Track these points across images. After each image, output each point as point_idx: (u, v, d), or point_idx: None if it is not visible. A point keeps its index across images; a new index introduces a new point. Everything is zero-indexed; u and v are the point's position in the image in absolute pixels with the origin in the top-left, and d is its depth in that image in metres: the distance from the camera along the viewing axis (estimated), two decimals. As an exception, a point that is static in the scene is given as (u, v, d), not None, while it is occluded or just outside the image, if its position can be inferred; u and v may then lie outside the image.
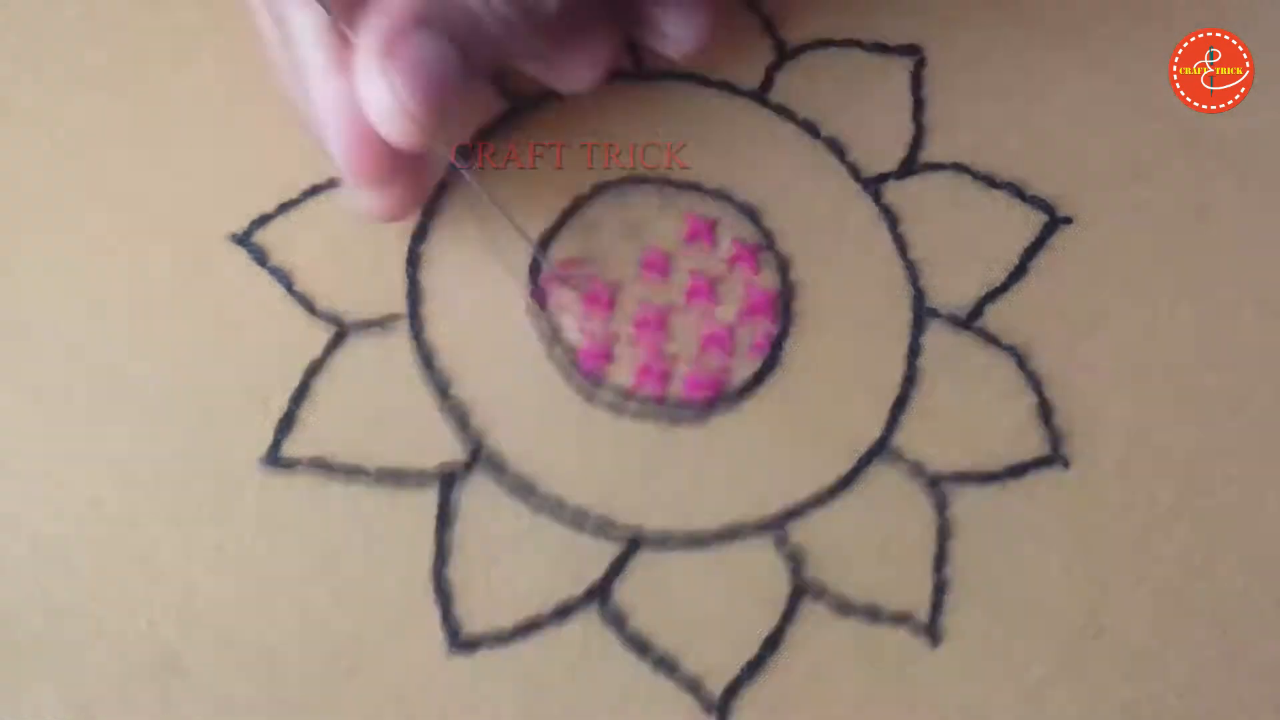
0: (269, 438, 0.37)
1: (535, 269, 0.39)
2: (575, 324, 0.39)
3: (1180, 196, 0.42)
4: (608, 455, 0.38)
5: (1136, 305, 0.41)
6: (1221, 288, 0.41)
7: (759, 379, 0.39)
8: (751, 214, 0.41)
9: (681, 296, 0.40)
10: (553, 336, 0.39)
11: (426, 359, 0.38)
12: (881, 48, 0.43)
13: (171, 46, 0.42)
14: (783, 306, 0.40)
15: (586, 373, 0.38)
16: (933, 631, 0.36)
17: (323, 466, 0.37)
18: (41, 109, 0.40)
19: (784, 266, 0.40)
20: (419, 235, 0.39)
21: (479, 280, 0.39)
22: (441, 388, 0.38)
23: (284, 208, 0.39)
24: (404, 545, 0.36)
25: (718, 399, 0.39)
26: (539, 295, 0.39)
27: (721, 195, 0.41)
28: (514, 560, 0.36)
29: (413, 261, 0.39)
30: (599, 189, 0.41)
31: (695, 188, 0.41)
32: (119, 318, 0.38)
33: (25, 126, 0.40)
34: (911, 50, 0.43)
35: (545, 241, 0.40)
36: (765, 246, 0.40)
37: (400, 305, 0.39)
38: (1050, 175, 0.42)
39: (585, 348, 0.39)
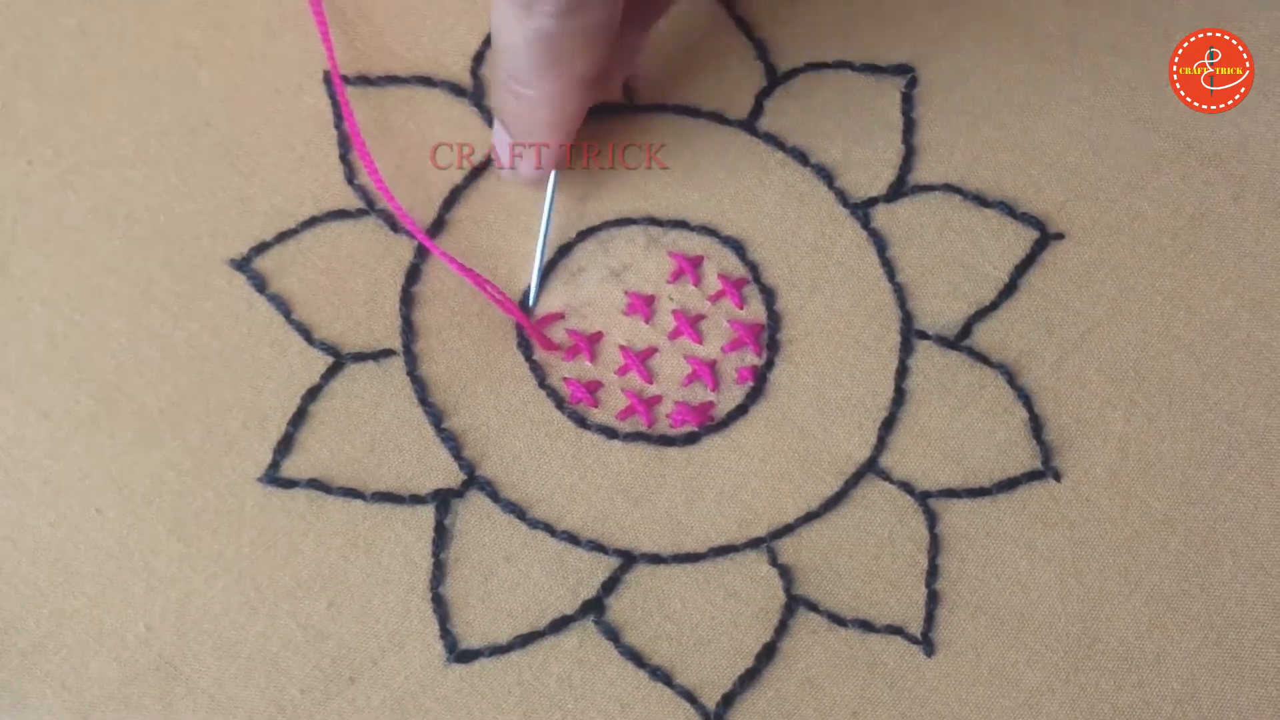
0: (268, 458, 0.38)
1: (525, 306, 0.40)
2: (560, 375, 0.39)
3: (1175, 206, 0.42)
4: (598, 481, 0.38)
5: (1129, 316, 0.41)
6: (1216, 296, 0.41)
7: (747, 405, 0.39)
8: (738, 247, 0.41)
9: (665, 336, 0.40)
10: (542, 379, 0.39)
11: (421, 392, 0.39)
12: (873, 68, 0.43)
13: (172, 67, 0.42)
14: (768, 337, 0.40)
15: (574, 411, 0.39)
16: (926, 643, 0.37)
17: (321, 488, 0.37)
18: (42, 127, 0.41)
19: (770, 297, 0.40)
20: (412, 275, 0.40)
21: (470, 318, 0.40)
22: (435, 419, 0.38)
23: (282, 237, 0.40)
24: (401, 558, 0.37)
25: (702, 428, 0.39)
26: (526, 343, 0.40)
27: (708, 230, 0.41)
28: (509, 576, 0.37)
29: (406, 301, 0.40)
30: (583, 234, 0.41)
31: (682, 224, 0.41)
32: (120, 336, 0.38)
33: (26, 145, 0.40)
34: (903, 70, 0.43)
35: (529, 290, 0.40)
36: (751, 279, 0.41)
37: (395, 342, 0.39)
38: (1043, 190, 0.42)
39: (570, 395, 0.39)
